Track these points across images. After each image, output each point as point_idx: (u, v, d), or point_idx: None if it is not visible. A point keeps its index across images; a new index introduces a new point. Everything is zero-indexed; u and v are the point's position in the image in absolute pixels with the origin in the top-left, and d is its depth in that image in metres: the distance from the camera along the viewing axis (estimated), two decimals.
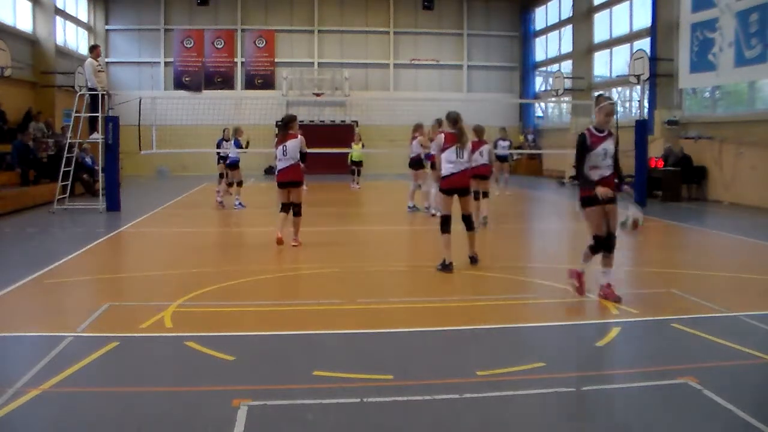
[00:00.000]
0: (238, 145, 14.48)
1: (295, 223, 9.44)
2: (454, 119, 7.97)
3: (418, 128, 13.38)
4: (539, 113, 29.11)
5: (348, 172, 20.34)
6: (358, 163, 19.95)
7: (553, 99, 25.93)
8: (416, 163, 13.37)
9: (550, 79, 26.22)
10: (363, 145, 20.22)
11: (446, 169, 7.77)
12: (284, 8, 27.92)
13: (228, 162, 14.62)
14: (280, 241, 9.32)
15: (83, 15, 25.79)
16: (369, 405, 3.87)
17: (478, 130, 11.06)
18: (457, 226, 7.89)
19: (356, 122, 26.04)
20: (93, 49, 14.16)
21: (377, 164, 24.94)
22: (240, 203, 14.53)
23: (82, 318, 5.59)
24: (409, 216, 13.14)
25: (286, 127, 9.48)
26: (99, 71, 13.88)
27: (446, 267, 7.60)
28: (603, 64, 23.51)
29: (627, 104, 22.14)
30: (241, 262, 8.71)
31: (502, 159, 17.68)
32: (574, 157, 6.24)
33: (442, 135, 7.91)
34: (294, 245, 9.28)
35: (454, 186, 7.78)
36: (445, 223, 7.74)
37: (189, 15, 27.44)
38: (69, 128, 15.23)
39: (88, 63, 13.81)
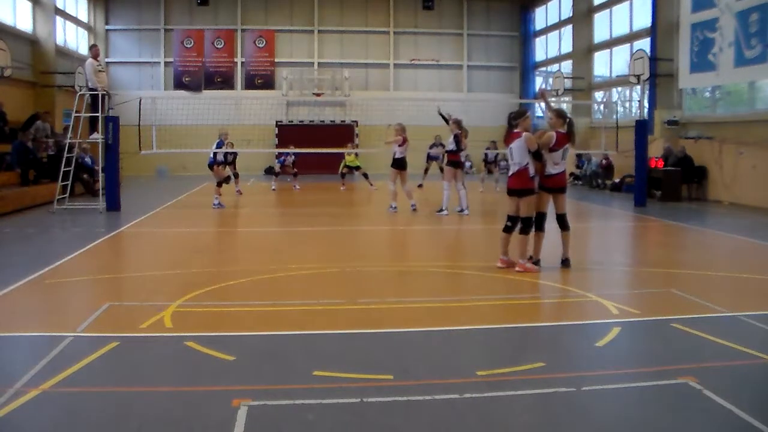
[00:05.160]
0: (219, 146, 14.65)
1: (519, 241, 7.73)
2: (565, 117, 7.88)
3: (404, 130, 13.67)
4: (539, 113, 29.09)
5: (340, 176, 20.03)
6: (357, 167, 19.73)
7: (553, 99, 25.91)
8: (401, 164, 13.52)
9: (550, 79, 26.20)
10: (357, 154, 20.16)
11: (552, 168, 7.76)
12: (284, 8, 27.90)
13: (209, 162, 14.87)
14: (506, 264, 7.79)
15: (83, 15, 25.79)
16: (369, 405, 3.88)
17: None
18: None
19: (356, 122, 26.04)
20: (91, 49, 14.18)
21: (377, 164, 24.91)
22: (218, 203, 14.56)
23: (82, 318, 5.59)
24: (408, 216, 13.12)
25: (510, 125, 7.99)
26: (99, 71, 13.87)
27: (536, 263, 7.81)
28: (603, 64, 23.50)
29: (627, 104, 22.14)
30: (241, 262, 8.70)
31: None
32: None
33: (554, 134, 7.70)
34: (518, 270, 7.62)
35: (557, 185, 7.87)
36: (540, 221, 7.84)
37: (189, 15, 27.43)
38: (69, 128, 15.23)
39: (88, 63, 13.82)
